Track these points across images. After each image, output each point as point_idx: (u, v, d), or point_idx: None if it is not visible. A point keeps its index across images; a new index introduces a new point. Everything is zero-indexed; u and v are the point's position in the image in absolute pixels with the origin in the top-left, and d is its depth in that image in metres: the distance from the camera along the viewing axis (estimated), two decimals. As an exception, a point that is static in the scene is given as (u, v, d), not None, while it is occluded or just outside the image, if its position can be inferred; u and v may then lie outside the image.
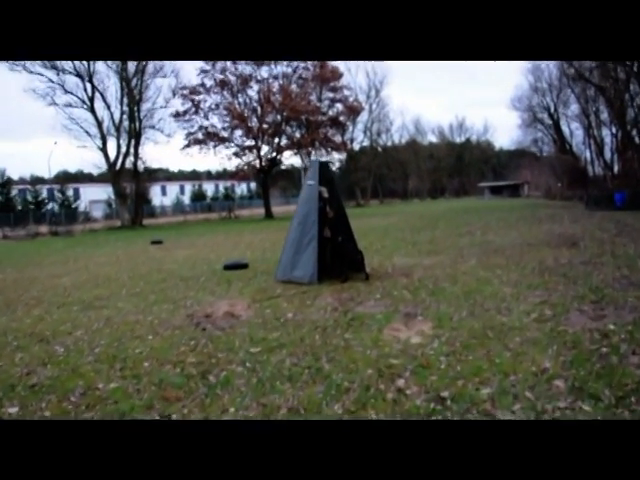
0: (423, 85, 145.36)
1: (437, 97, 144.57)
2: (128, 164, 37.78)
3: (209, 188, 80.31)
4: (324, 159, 54.89)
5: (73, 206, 56.65)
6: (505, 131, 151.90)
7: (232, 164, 42.26)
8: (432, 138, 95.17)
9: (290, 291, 7.69)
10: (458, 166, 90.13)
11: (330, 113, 44.56)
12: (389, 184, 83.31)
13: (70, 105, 34.97)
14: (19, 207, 51.00)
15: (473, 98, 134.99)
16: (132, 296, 8.27)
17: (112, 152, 36.79)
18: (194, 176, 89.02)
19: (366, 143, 73.56)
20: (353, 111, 47.83)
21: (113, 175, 36.51)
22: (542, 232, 14.57)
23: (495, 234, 14.76)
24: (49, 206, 54.59)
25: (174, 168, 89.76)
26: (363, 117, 69.46)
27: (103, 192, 55.59)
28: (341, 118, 45.87)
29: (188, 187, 79.01)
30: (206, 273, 10.26)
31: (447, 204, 50.48)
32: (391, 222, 24.84)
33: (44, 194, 55.64)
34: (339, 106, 45.37)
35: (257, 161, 41.94)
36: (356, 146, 71.95)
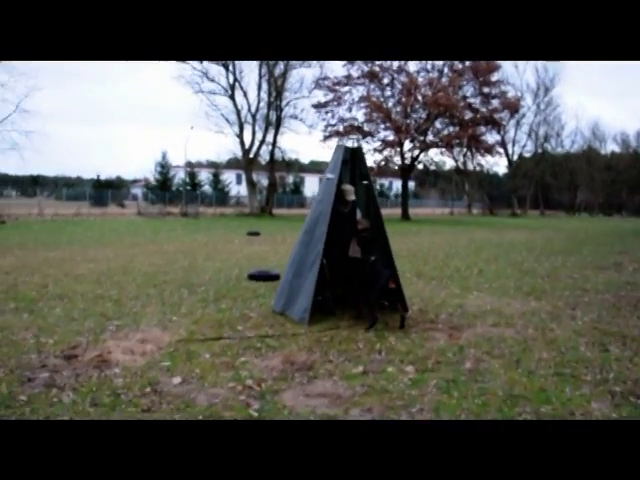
0: (603, 86, 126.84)
1: (621, 100, 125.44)
2: (266, 153, 37.67)
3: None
4: (479, 162, 49.77)
5: (225, 190, 59.91)
6: None
7: (375, 159, 39.64)
8: (613, 146, 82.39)
9: (255, 330, 5.19)
10: (644, 180, 76.26)
11: (484, 110, 39.47)
12: (554, 195, 73.91)
13: (214, 92, 35.76)
14: (179, 188, 54.86)
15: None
16: (89, 301, 6.52)
17: (248, 140, 36.94)
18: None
19: (530, 147, 65.73)
20: (510, 108, 42.08)
21: (246, 162, 36.62)
22: None
23: (655, 273, 10.30)
24: (204, 188, 58.21)
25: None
26: (529, 118, 62.19)
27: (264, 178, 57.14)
28: (496, 116, 40.46)
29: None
30: (220, 281, 8.16)
31: (619, 223, 42.00)
32: (530, 238, 20.44)
33: (202, 177, 59.60)
34: (495, 102, 40.05)
35: (398, 157, 39.06)
36: (518, 150, 64.84)
